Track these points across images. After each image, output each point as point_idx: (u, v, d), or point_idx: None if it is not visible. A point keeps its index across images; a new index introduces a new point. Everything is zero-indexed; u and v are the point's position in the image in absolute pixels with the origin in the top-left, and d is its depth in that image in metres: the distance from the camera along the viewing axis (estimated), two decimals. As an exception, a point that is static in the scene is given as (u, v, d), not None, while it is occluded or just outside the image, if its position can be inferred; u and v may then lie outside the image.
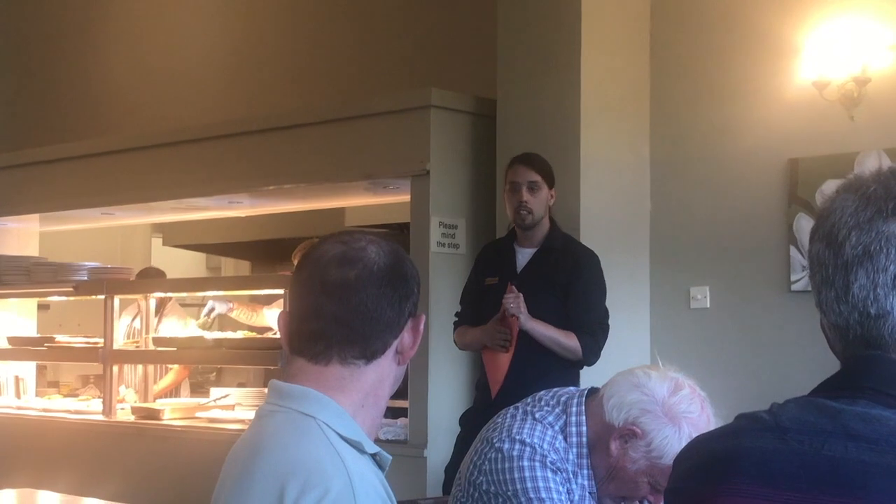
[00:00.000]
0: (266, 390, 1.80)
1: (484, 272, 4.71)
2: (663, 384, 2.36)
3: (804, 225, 5.00)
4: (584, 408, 2.42)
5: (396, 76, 6.76)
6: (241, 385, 8.01)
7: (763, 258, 5.15)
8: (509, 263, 4.62)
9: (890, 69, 4.85)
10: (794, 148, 5.07)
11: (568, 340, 4.43)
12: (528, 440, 2.37)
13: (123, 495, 5.17)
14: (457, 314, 4.78)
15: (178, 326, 6.81)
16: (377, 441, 1.79)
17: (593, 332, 4.47)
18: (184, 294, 7.43)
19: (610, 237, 5.24)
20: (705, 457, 1.23)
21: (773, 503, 1.13)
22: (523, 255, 4.61)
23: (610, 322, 4.55)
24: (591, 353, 4.46)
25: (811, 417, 1.17)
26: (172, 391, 6.93)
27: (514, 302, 4.41)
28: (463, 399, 5.24)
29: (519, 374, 4.45)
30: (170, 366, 6.84)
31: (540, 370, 4.36)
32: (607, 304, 4.56)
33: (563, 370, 4.42)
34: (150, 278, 6.94)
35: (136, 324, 6.79)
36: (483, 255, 4.85)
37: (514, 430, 2.40)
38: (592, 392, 2.47)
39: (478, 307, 4.65)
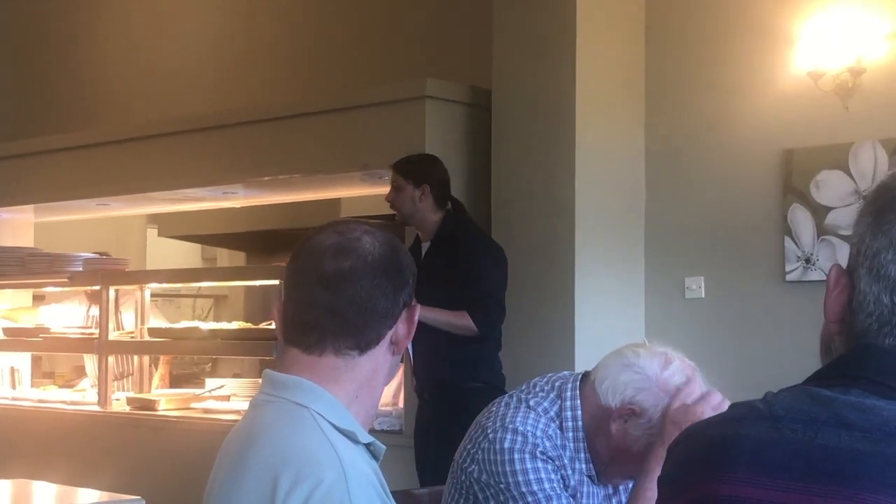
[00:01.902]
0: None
1: None
2: (653, 360, 2.37)
3: (799, 215, 5.01)
4: (578, 392, 2.42)
5: (391, 66, 6.75)
6: (236, 376, 8.00)
7: (758, 248, 5.15)
8: (416, 260, 4.78)
9: (885, 59, 4.85)
10: (789, 138, 5.07)
11: (459, 320, 4.61)
12: (521, 428, 2.37)
13: (119, 486, 5.16)
14: None
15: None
16: (372, 431, 1.79)
17: (485, 306, 4.63)
18: (178, 285, 7.42)
19: (605, 227, 5.25)
20: (699, 445, 1.22)
21: (767, 491, 1.13)
22: (424, 250, 4.82)
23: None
24: (485, 325, 4.63)
25: (804, 406, 1.17)
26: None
27: None
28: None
29: (416, 359, 4.74)
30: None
31: (432, 351, 4.60)
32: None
33: (466, 348, 4.62)
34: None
35: (93, 311, 6.77)
36: None
37: (508, 419, 2.40)
38: (586, 376, 2.47)
39: None
